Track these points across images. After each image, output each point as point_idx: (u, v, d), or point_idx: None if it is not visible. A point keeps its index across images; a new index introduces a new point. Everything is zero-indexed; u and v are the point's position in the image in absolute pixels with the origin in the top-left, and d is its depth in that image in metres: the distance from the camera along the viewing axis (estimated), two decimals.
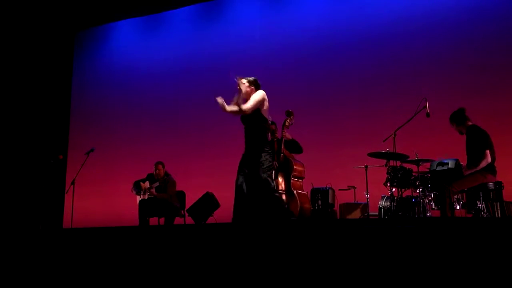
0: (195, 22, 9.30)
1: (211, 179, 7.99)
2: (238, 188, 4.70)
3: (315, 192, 6.36)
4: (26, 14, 9.47)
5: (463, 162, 5.13)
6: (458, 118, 5.13)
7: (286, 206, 4.83)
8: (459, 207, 5.11)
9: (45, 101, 9.81)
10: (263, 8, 8.77)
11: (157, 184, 7.00)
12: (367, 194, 6.04)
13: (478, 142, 4.93)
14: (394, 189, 5.58)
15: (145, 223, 6.89)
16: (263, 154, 4.67)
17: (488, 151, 4.87)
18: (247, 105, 4.73)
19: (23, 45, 9.68)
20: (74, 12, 9.70)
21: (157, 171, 7.12)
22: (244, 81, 4.87)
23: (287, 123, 5.98)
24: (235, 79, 4.86)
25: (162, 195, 6.93)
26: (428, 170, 5.42)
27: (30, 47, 9.74)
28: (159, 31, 9.56)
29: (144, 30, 9.73)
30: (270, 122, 5.03)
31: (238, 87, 4.84)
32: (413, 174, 5.51)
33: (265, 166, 4.67)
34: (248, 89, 4.84)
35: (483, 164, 4.85)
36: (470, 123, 5.09)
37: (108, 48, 10.03)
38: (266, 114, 4.81)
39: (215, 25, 9.05)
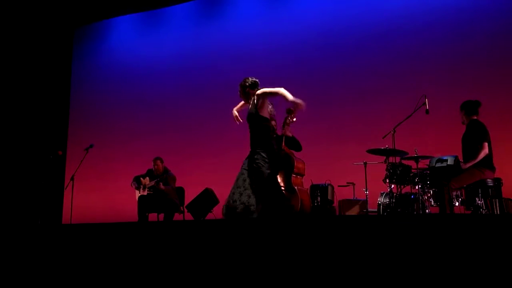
0: (194, 19, 9.27)
1: (210, 176, 7.99)
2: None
3: (314, 188, 6.35)
4: (24, 10, 9.44)
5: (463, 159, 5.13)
6: (469, 108, 5.13)
7: (274, 208, 4.75)
8: (458, 204, 5.11)
9: (44, 97, 9.79)
10: (263, 4, 8.75)
11: (159, 179, 7.04)
12: (366, 191, 6.04)
13: (476, 135, 4.93)
14: (393, 186, 5.57)
15: (144, 219, 6.91)
16: (260, 156, 4.52)
17: (485, 143, 4.88)
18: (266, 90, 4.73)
19: (21, 42, 9.65)
20: (73, 8, 9.68)
21: (156, 166, 7.13)
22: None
23: (288, 121, 5.94)
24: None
25: (167, 188, 6.97)
26: (427, 166, 5.42)
27: (29, 44, 9.71)
28: (159, 28, 9.54)
29: (144, 27, 9.70)
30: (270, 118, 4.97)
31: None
32: (412, 170, 5.51)
33: (260, 168, 4.49)
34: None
35: (481, 155, 4.86)
36: (475, 117, 5.09)
37: (107, 44, 10.01)
38: (266, 114, 4.70)
39: (215, 22, 9.02)
